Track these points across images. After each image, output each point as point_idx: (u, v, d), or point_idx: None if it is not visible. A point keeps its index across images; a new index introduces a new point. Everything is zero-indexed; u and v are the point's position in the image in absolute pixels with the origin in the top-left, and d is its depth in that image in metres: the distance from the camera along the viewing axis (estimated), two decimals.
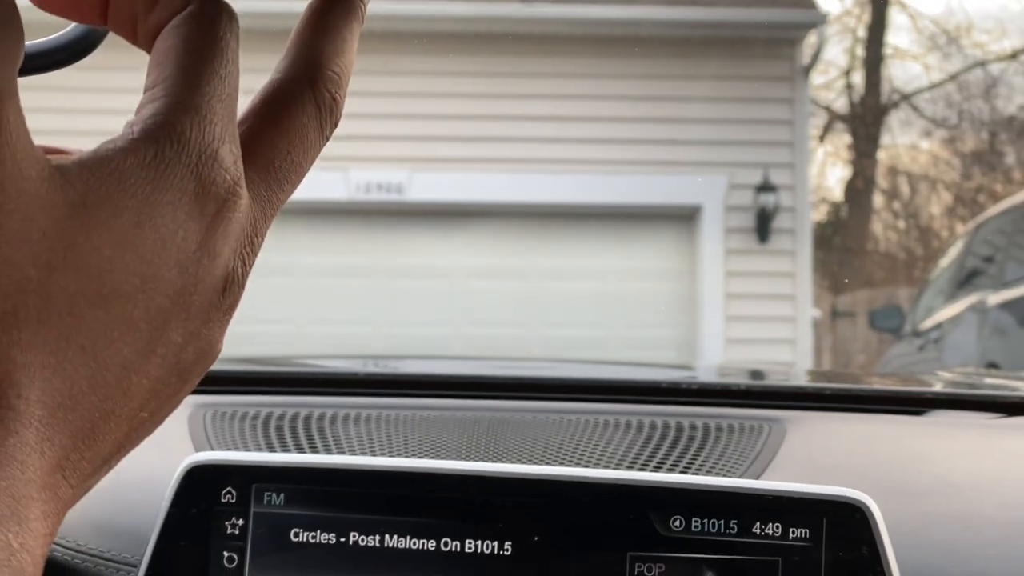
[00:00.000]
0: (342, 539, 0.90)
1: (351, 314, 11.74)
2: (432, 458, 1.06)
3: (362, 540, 0.90)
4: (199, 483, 0.92)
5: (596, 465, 1.11)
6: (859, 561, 0.86)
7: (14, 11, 0.37)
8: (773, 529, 0.87)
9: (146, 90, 0.40)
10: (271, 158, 0.43)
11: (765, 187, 11.29)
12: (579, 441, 1.21)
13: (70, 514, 0.97)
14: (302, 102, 0.44)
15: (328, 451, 1.14)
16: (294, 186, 0.45)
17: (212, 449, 1.10)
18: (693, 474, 1.08)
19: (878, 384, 1.75)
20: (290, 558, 0.90)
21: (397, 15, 11.17)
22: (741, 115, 11.48)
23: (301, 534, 0.91)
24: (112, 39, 0.80)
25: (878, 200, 26.79)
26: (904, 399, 1.48)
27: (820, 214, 25.79)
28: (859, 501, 0.87)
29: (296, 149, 0.44)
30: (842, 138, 27.86)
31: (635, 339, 11.88)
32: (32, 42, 0.74)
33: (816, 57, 11.77)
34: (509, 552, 0.89)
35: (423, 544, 0.89)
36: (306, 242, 11.61)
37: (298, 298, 11.68)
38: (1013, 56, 26.10)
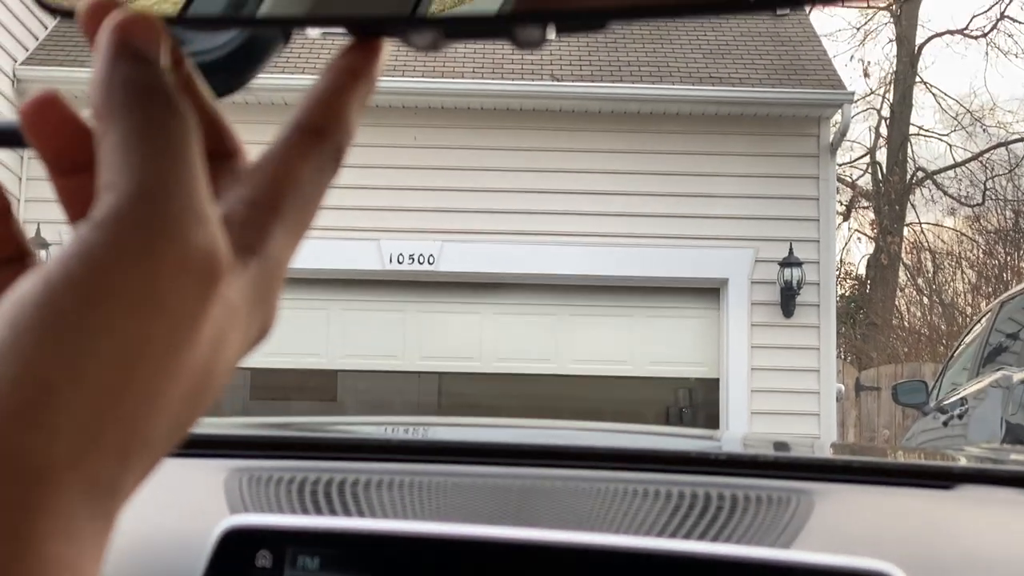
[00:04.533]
0: None
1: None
2: (463, 524, 1.06)
3: None
4: (235, 546, 0.93)
5: (626, 533, 1.11)
6: None
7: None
8: None
9: (103, 187, 0.41)
10: (286, 200, 0.47)
11: (790, 262, 11.28)
12: (609, 509, 1.22)
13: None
14: (319, 147, 0.48)
15: (361, 516, 1.15)
16: (305, 228, 0.48)
17: (248, 513, 1.11)
18: (722, 544, 1.09)
19: (904, 458, 1.75)
20: None
21: (430, 90, 11.28)
22: (768, 191, 11.52)
23: None
24: None
25: (902, 276, 26.75)
26: (931, 473, 1.48)
27: (845, 289, 25.74)
28: (887, 573, 0.88)
29: (311, 192, 0.48)
30: (867, 215, 27.86)
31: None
32: None
33: (842, 135, 11.81)
34: None
35: None
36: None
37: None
38: None
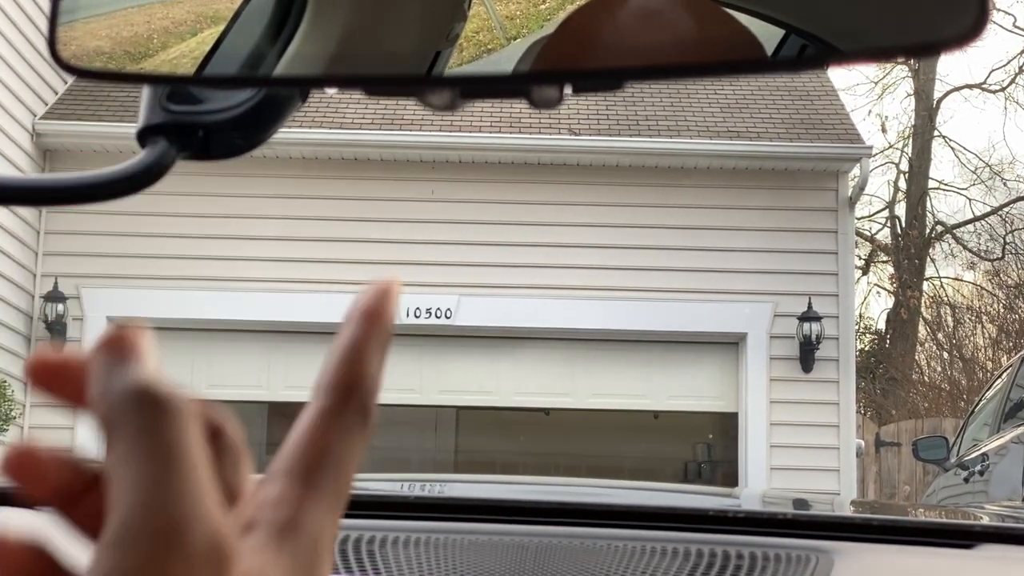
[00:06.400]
0: None
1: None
2: None
3: None
4: None
5: None
6: None
7: None
8: None
9: (112, 504, 0.42)
10: (319, 471, 0.47)
11: (809, 316, 11.25)
12: (627, 568, 1.21)
13: None
14: (345, 412, 0.48)
15: (376, 575, 1.14)
16: (342, 497, 0.47)
17: None
18: None
19: (925, 516, 1.74)
20: None
21: (448, 144, 11.32)
22: (786, 245, 11.52)
23: None
24: (180, 168, 0.82)
25: (922, 331, 26.64)
26: (952, 532, 1.47)
27: (864, 344, 25.65)
28: None
29: (343, 458, 0.47)
30: (886, 269, 27.81)
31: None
32: (99, 171, 0.77)
33: (860, 189, 11.82)
34: None
35: None
36: None
37: None
38: None
